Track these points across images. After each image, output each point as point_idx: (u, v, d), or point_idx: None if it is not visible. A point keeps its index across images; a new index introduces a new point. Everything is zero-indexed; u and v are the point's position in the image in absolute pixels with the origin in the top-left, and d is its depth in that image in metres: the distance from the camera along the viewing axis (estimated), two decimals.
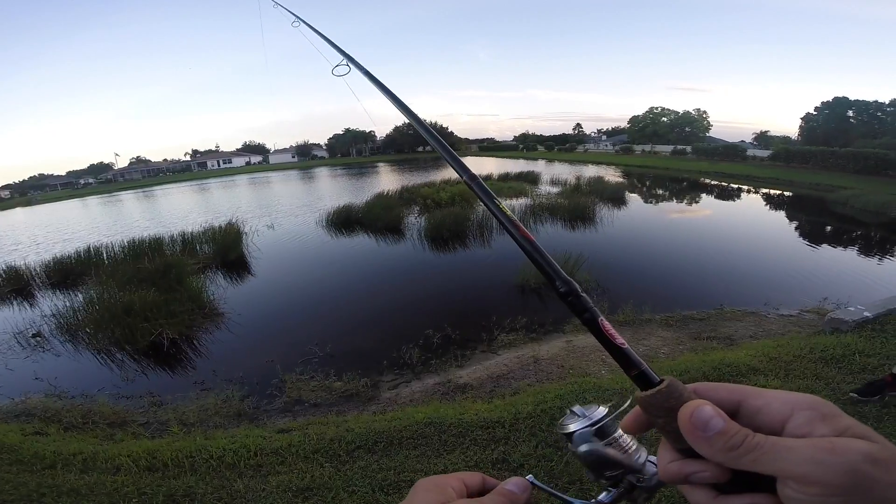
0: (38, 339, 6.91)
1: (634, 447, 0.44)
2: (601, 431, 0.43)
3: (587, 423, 0.43)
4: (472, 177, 0.59)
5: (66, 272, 10.57)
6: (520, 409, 3.14)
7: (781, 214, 16.52)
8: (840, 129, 38.99)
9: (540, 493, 0.44)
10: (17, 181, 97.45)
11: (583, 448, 0.43)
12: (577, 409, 0.45)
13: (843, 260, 9.54)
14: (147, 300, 6.72)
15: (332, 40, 1.12)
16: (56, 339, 6.85)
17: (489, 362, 5.00)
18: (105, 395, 4.96)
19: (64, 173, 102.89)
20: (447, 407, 3.54)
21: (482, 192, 0.55)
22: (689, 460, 0.35)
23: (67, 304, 7.65)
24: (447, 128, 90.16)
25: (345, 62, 1.07)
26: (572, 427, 0.44)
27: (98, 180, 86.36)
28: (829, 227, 13.59)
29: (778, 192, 22.11)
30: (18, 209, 45.26)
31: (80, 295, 8.24)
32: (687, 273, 8.43)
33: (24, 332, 7.15)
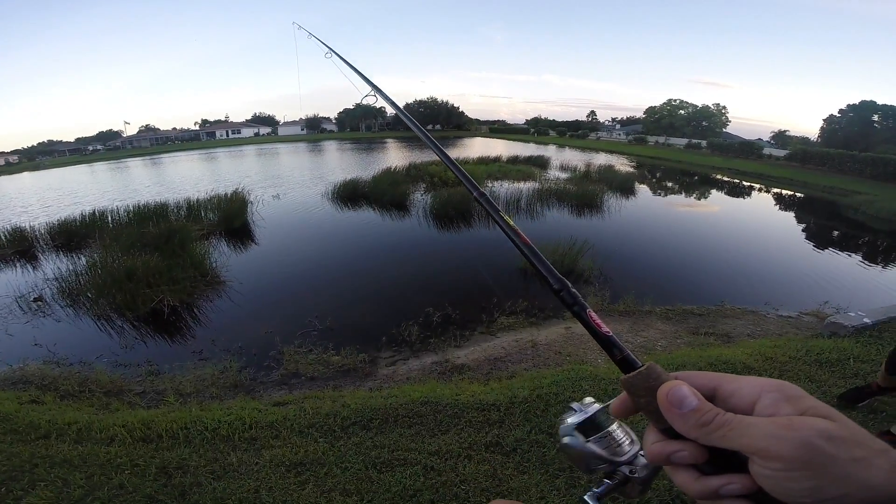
0: (40, 303, 6.89)
1: (628, 441, 0.47)
2: (593, 424, 0.47)
3: (582, 417, 0.47)
4: (482, 193, 0.66)
5: (70, 234, 10.61)
6: (516, 392, 3.13)
7: (790, 215, 16.30)
8: (862, 134, 38.15)
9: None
10: (25, 147, 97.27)
11: (564, 440, 0.48)
12: (574, 405, 0.49)
13: (847, 265, 9.41)
14: (150, 265, 6.72)
15: (362, 72, 1.24)
16: (57, 303, 6.83)
17: (487, 344, 4.99)
18: (103, 363, 4.96)
19: (73, 140, 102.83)
20: (443, 387, 3.54)
21: (490, 206, 0.63)
22: (670, 441, 0.38)
23: (70, 267, 7.63)
24: (458, 107, 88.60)
25: (373, 93, 1.20)
26: (569, 420, 0.47)
27: (106, 147, 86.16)
28: (837, 232, 13.39)
29: (790, 192, 21.78)
30: (26, 173, 45.18)
31: (83, 258, 8.25)
32: (690, 267, 8.37)
33: (26, 295, 7.11)
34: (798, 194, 21.43)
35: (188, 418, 3.12)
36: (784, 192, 21.91)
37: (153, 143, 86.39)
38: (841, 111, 42.50)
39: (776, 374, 3.50)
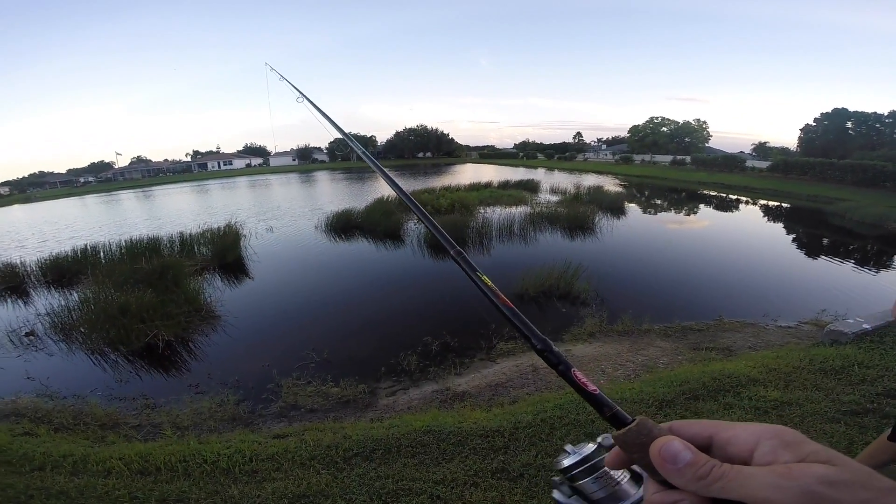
0: (32, 337, 6.84)
1: (625, 479, 0.47)
2: (588, 466, 0.47)
3: (575, 459, 0.47)
4: (458, 252, 0.66)
5: (62, 271, 10.51)
6: (519, 418, 3.11)
7: (779, 226, 16.59)
8: (839, 141, 39.12)
9: None
10: (16, 178, 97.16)
11: (554, 495, 0.49)
12: (568, 447, 0.49)
13: (840, 272, 9.57)
14: (143, 301, 6.67)
15: (332, 118, 1.30)
16: (50, 338, 6.78)
17: (487, 370, 4.97)
18: (97, 397, 4.91)
19: (64, 171, 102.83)
20: (445, 415, 3.51)
21: (468, 266, 0.63)
22: (670, 491, 0.37)
23: (62, 303, 7.59)
24: (448, 134, 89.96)
25: (341, 137, 1.26)
26: (565, 463, 0.48)
27: (98, 179, 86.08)
28: (826, 240, 13.63)
29: (776, 203, 22.21)
30: (16, 206, 45.08)
31: (75, 294, 8.18)
32: (686, 284, 8.43)
33: (18, 330, 7.09)
34: (784, 204, 21.85)
35: (187, 451, 3.09)
36: (770, 203, 22.34)
37: (145, 174, 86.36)
38: (816, 120, 43.57)
39: (782, 385, 3.51)
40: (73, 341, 6.57)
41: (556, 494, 0.49)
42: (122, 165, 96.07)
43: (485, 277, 0.59)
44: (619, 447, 0.41)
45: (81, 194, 54.13)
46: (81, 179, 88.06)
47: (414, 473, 2.62)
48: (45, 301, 8.66)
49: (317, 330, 6.61)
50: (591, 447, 0.48)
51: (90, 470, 2.93)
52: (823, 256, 11.12)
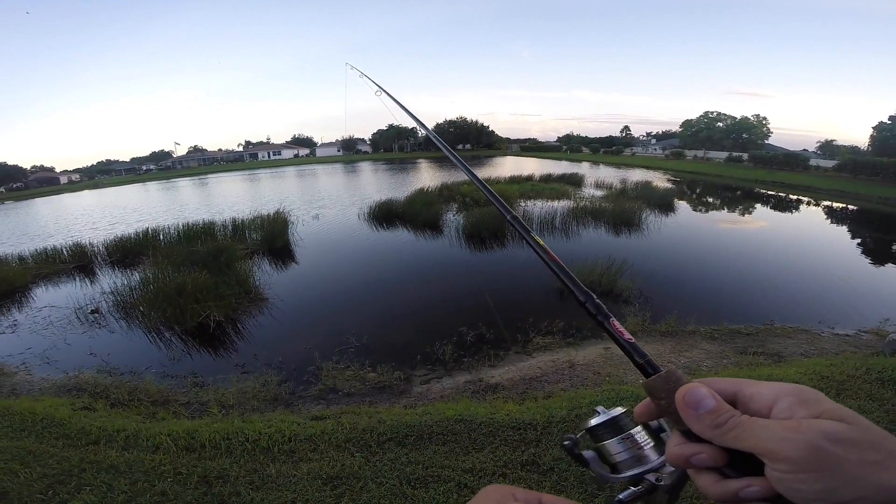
0: (96, 315, 7.35)
1: (652, 446, 0.47)
2: (615, 426, 0.47)
3: (604, 418, 0.48)
4: (514, 217, 0.73)
5: (125, 251, 11.32)
6: (553, 412, 3.09)
7: (843, 229, 15.37)
8: None
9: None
10: (86, 166, 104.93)
11: (564, 443, 0.49)
12: (599, 408, 0.50)
13: None
14: (199, 282, 7.06)
15: (405, 105, 1.34)
16: (112, 315, 7.28)
17: (522, 364, 4.95)
18: (151, 374, 5.22)
19: (128, 160, 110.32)
20: (478, 405, 3.54)
21: (522, 228, 0.68)
22: (691, 443, 0.39)
23: (125, 282, 8.13)
24: (488, 126, 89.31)
25: (417, 128, 1.29)
26: (593, 422, 0.49)
27: (158, 167, 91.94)
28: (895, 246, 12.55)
29: (841, 205, 20.61)
30: (86, 192, 48.71)
31: (136, 274, 8.74)
32: (736, 286, 8.00)
33: (84, 307, 7.63)
34: (851, 207, 20.24)
35: (230, 429, 3.24)
36: (835, 204, 20.73)
37: (201, 163, 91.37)
38: (891, 118, 40.07)
39: (833, 394, 3.31)
40: (133, 319, 7.02)
41: (566, 444, 0.49)
42: (180, 154, 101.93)
43: (537, 238, 0.62)
44: (648, 394, 0.43)
45: (144, 181, 57.91)
46: (144, 167, 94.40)
47: (443, 461, 2.67)
48: (109, 280, 9.34)
49: (357, 316, 6.78)
50: (620, 409, 0.49)
51: (140, 445, 3.10)
52: (891, 263, 10.23)
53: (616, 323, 0.49)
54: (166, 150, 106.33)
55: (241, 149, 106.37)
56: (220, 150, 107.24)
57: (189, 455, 2.93)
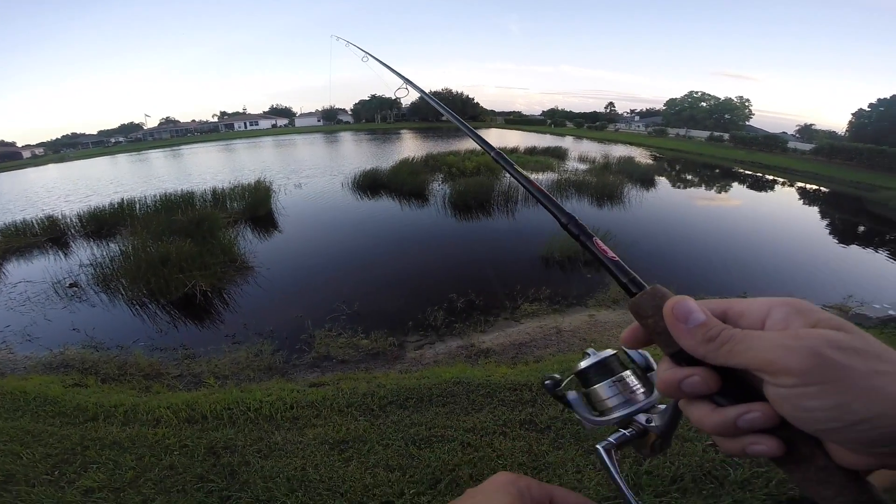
0: (75, 288, 7.10)
1: (640, 390, 0.44)
2: (605, 368, 0.45)
3: (594, 360, 0.46)
4: (499, 153, 0.69)
5: (100, 222, 10.94)
6: (545, 374, 3.21)
7: (815, 210, 15.90)
8: (893, 129, 36.84)
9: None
10: (50, 139, 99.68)
11: (546, 384, 0.48)
12: (590, 350, 0.47)
13: (873, 260, 9.24)
14: (183, 250, 6.92)
15: (395, 69, 1.32)
16: (92, 289, 7.04)
17: (511, 329, 5.08)
18: (140, 347, 5.11)
19: (96, 132, 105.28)
20: (473, 369, 3.65)
21: (506, 163, 0.66)
22: (681, 367, 0.36)
23: (103, 254, 7.86)
24: (473, 98, 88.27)
25: (405, 86, 1.25)
26: (582, 364, 0.46)
27: (128, 139, 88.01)
28: (862, 227, 13.07)
29: (815, 187, 21.22)
30: (51, 165, 46.26)
31: (114, 245, 8.48)
32: (712, 259, 8.29)
33: (62, 281, 7.33)
34: (823, 189, 20.87)
35: (230, 399, 3.24)
36: (809, 186, 21.35)
37: (173, 134, 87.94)
38: (871, 105, 40.94)
39: None
40: (115, 292, 6.80)
41: (547, 384, 0.47)
42: (151, 126, 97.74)
43: (520, 169, 0.62)
44: (633, 314, 0.39)
45: (114, 153, 55.28)
46: (112, 140, 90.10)
47: (445, 422, 2.75)
48: (86, 252, 9.01)
49: (346, 283, 6.78)
50: (610, 351, 0.46)
51: (140, 419, 3.06)
52: (856, 244, 10.69)
53: (599, 242, 0.47)
54: (136, 122, 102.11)
55: (215, 120, 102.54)
56: (193, 121, 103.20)
57: (192, 427, 2.93)
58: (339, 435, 2.71)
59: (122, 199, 11.87)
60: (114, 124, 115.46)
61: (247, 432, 2.83)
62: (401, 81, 1.25)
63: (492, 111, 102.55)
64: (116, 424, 3.02)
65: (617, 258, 0.44)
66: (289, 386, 3.60)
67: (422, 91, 1.21)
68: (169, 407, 3.17)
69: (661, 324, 0.36)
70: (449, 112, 0.90)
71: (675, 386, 0.36)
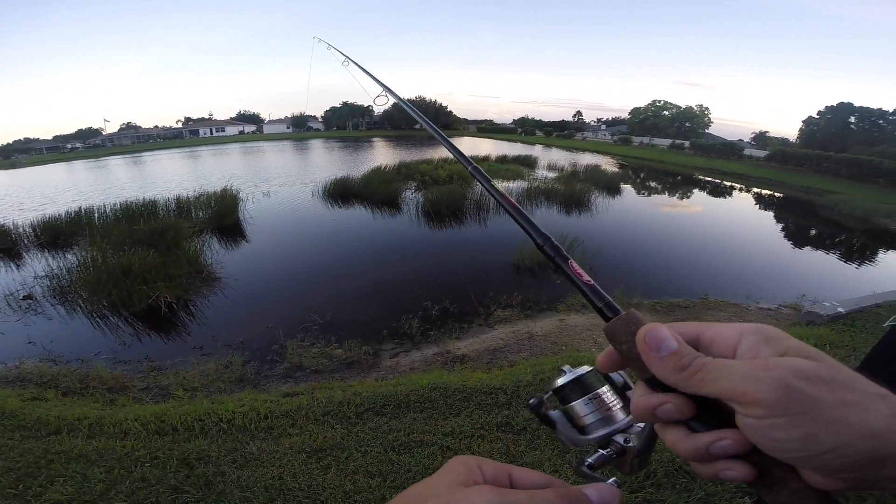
0: (30, 301, 6.74)
1: (620, 407, 0.44)
2: (581, 385, 0.45)
3: (570, 378, 0.45)
4: (475, 168, 0.68)
5: (56, 232, 10.39)
6: (519, 377, 3.29)
7: (770, 214, 16.86)
8: (840, 135, 39.43)
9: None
10: (1, 144, 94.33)
11: (531, 402, 0.47)
12: (566, 367, 0.47)
13: (823, 261, 9.97)
14: (146, 261, 6.69)
15: (376, 76, 1.30)
16: (48, 301, 6.70)
17: (486, 335, 5.15)
18: (102, 360, 4.91)
19: (50, 137, 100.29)
20: (449, 375, 3.68)
21: (482, 177, 0.65)
22: (655, 393, 0.36)
23: (59, 265, 7.52)
24: (446, 107, 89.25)
25: (384, 93, 1.23)
26: (559, 382, 0.46)
27: (86, 145, 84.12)
28: (813, 230, 13.96)
29: (769, 192, 22.45)
30: (1, 172, 43.62)
31: (71, 256, 8.11)
32: (676, 263, 8.66)
33: (15, 293, 6.95)
34: (777, 194, 22.10)
35: (201, 411, 3.16)
36: (763, 191, 22.58)
37: (135, 141, 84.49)
38: (819, 113, 43.84)
39: None
40: (74, 304, 6.51)
41: (532, 402, 0.47)
42: (111, 132, 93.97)
43: (497, 185, 0.61)
44: (608, 338, 0.40)
45: (70, 160, 52.62)
46: (69, 146, 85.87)
47: (424, 427, 2.78)
48: (41, 264, 8.54)
49: (318, 294, 6.71)
50: (587, 368, 0.46)
51: (107, 432, 2.96)
52: (808, 245, 11.53)
53: (575, 265, 0.46)
54: (94, 127, 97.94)
55: (179, 126, 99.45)
56: (156, 126, 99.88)
57: (162, 439, 2.84)
58: (316, 443, 2.69)
59: (80, 207, 11.34)
60: (70, 129, 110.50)
61: (220, 443, 2.78)
62: (380, 89, 1.24)
63: (464, 119, 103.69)
64: (81, 437, 2.91)
65: (592, 282, 0.45)
66: (262, 396, 3.54)
67: (402, 100, 1.18)
68: (137, 419, 3.07)
69: (635, 350, 0.37)
70: (427, 123, 0.89)
71: (649, 412, 0.36)
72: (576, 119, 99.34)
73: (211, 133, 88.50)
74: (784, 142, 49.09)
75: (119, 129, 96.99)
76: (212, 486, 2.34)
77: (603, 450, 0.43)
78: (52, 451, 2.71)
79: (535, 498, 0.32)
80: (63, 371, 4.60)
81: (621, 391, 0.46)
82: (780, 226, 14.30)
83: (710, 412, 0.34)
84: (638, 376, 0.38)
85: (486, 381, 3.32)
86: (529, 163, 23.22)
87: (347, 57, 1.53)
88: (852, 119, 41.18)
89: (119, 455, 2.64)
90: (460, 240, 10.04)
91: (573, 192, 13.79)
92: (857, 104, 41.49)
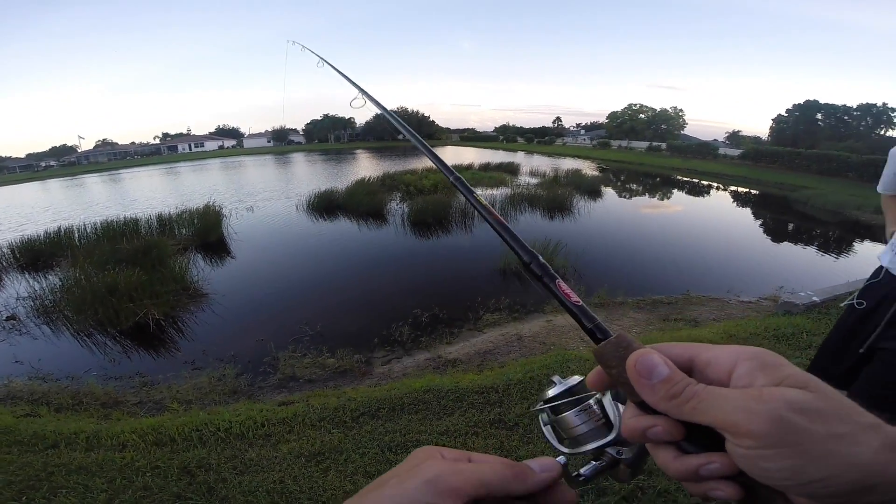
0: (13, 321, 6.66)
1: (612, 414, 0.43)
2: (575, 398, 0.44)
3: (561, 389, 0.44)
4: (457, 178, 0.66)
5: (35, 253, 10.20)
6: (510, 377, 3.39)
7: (747, 211, 17.41)
8: (808, 132, 40.87)
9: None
10: None
11: (538, 415, 0.47)
12: (556, 378, 0.46)
13: (799, 253, 10.40)
14: (131, 279, 6.65)
15: (351, 78, 1.27)
16: (33, 321, 6.64)
17: (476, 339, 5.25)
18: (92, 377, 4.88)
19: (23, 155, 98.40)
20: (442, 377, 3.77)
21: (466, 189, 0.63)
22: (645, 415, 0.36)
23: (42, 286, 7.46)
24: (429, 117, 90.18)
25: (360, 96, 1.20)
26: (550, 393, 0.45)
27: (60, 163, 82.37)
28: (789, 224, 14.47)
29: (745, 189, 23.15)
30: None
31: (53, 277, 8.03)
32: (657, 261, 8.89)
33: None
34: (752, 191, 22.80)
35: (197, 421, 3.20)
36: (740, 189, 23.28)
37: (111, 157, 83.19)
38: (788, 111, 45.41)
39: None
40: (59, 324, 6.46)
41: (535, 410, 0.46)
42: (87, 149, 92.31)
43: (480, 198, 0.59)
44: (598, 361, 0.39)
45: (44, 178, 51.54)
46: (42, 164, 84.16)
47: (419, 427, 2.87)
48: (21, 285, 8.41)
49: (308, 306, 6.74)
50: (577, 379, 0.45)
51: (105, 444, 2.97)
52: (785, 239, 12.02)
53: (562, 284, 0.45)
54: (69, 144, 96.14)
55: (157, 141, 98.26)
56: (133, 143, 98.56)
57: (161, 449, 2.87)
58: (314, 448, 2.75)
59: (60, 227, 11.16)
60: (44, 147, 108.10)
61: (219, 451, 2.82)
62: (356, 91, 1.21)
63: (447, 129, 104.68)
64: (80, 450, 2.92)
65: (581, 302, 0.43)
66: (257, 406, 3.57)
67: (377, 102, 1.16)
68: (134, 431, 3.09)
69: (624, 374, 0.36)
70: (408, 130, 0.86)
71: (639, 433, 0.36)
72: (556, 125, 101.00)
73: (190, 148, 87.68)
74: (757, 140, 50.68)
75: (95, 146, 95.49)
76: (214, 492, 2.39)
77: (596, 461, 0.43)
78: (52, 463, 2.73)
79: (481, 467, 0.34)
80: (54, 388, 4.57)
81: (615, 402, 0.45)
82: (757, 221, 14.77)
83: (701, 434, 0.34)
84: (628, 398, 0.38)
85: (477, 381, 3.42)
86: (512, 169, 23.54)
87: (321, 58, 1.52)
88: (819, 116, 42.79)
89: (119, 466, 2.67)
90: (447, 248, 10.17)
91: (555, 196, 14.06)
92: (822, 101, 43.16)
